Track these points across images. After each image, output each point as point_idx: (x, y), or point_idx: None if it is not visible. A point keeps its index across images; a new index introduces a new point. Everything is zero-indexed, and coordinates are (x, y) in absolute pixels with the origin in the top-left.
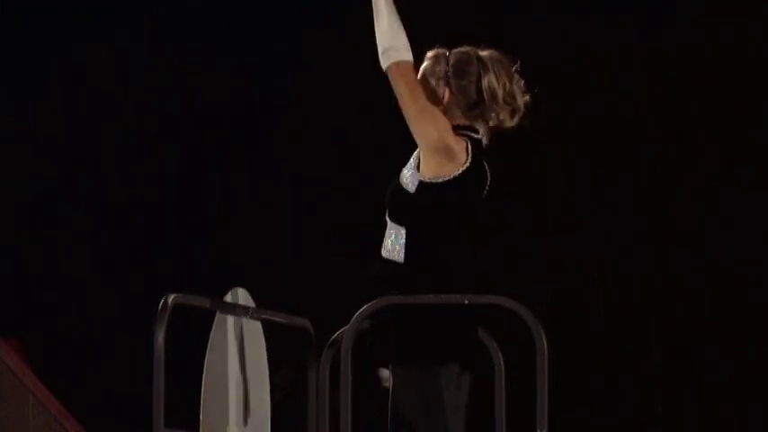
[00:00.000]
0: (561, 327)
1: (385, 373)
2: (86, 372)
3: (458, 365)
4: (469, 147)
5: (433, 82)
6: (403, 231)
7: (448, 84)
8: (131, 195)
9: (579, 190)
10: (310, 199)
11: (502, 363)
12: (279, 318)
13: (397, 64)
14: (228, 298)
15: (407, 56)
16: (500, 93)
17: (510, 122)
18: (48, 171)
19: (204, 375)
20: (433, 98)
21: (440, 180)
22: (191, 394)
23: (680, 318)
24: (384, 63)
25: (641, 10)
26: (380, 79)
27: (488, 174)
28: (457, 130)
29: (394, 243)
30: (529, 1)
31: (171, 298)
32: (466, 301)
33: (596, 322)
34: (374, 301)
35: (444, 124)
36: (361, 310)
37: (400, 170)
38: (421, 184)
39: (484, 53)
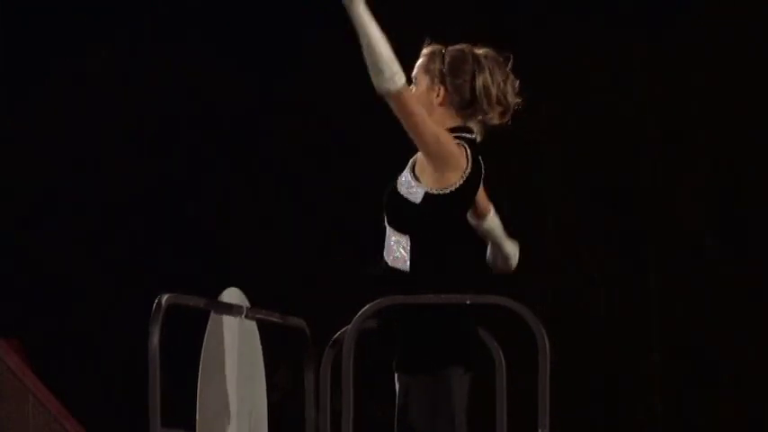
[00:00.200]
0: (561, 327)
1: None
2: (86, 372)
3: (462, 367)
4: (468, 151)
5: (427, 79)
6: (406, 239)
7: (443, 82)
8: (131, 195)
9: (579, 190)
10: (310, 199)
11: (503, 362)
12: (274, 318)
13: (406, 88)
14: (223, 298)
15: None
16: (494, 92)
17: (498, 121)
18: (48, 171)
19: (200, 375)
20: (427, 96)
21: (446, 191)
22: (189, 394)
23: (680, 318)
24: (391, 87)
25: (641, 10)
26: None
27: (483, 167)
28: (452, 133)
29: (397, 251)
30: (529, 1)
31: (165, 298)
32: (467, 302)
33: (596, 322)
34: (376, 302)
35: (450, 139)
36: (363, 310)
37: (396, 174)
38: (427, 195)
39: (479, 51)
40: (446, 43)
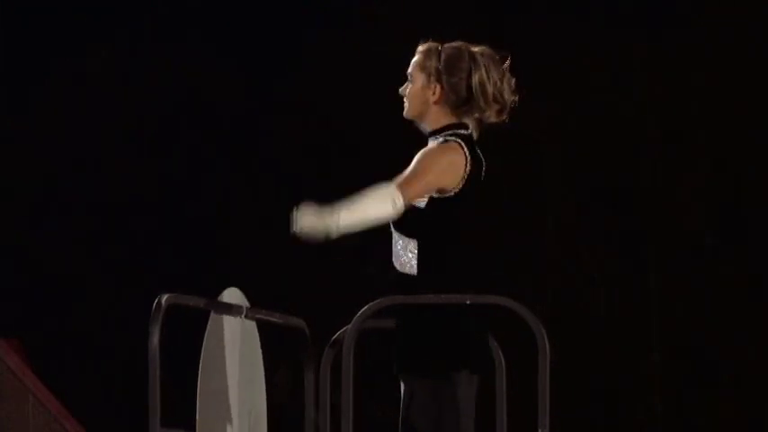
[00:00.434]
0: (561, 327)
1: None
2: (86, 372)
3: (467, 369)
4: (465, 149)
5: (423, 76)
6: (413, 243)
7: (439, 79)
8: (131, 195)
9: (579, 190)
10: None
11: (503, 362)
12: (274, 318)
13: (402, 194)
14: (223, 298)
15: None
16: (490, 89)
17: (495, 119)
18: (48, 171)
19: (200, 375)
20: (423, 94)
21: (450, 194)
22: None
23: (680, 318)
24: (399, 208)
25: (641, 10)
26: (380, 80)
27: (483, 160)
28: (448, 130)
29: (404, 255)
30: (529, 1)
31: (164, 298)
32: (467, 302)
33: (596, 322)
34: (376, 301)
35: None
36: (363, 310)
37: (396, 175)
38: (431, 199)
39: (476, 49)
40: (442, 41)
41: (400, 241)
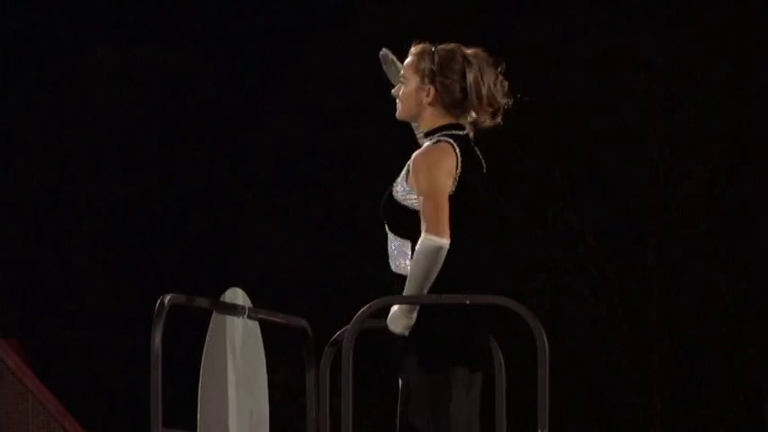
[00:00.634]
0: (561, 327)
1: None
2: (86, 372)
3: (466, 368)
4: (457, 149)
5: (417, 78)
6: (408, 245)
7: (432, 81)
8: (131, 195)
9: (579, 189)
10: (310, 199)
11: (502, 362)
12: (276, 318)
13: (431, 233)
14: (225, 298)
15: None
16: (484, 91)
17: (489, 123)
18: (48, 171)
19: (201, 375)
20: (417, 96)
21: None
22: (189, 394)
23: (680, 318)
24: (442, 247)
25: (641, 10)
26: (380, 79)
27: (482, 160)
28: (442, 130)
29: (399, 256)
30: (529, 1)
31: (167, 298)
32: (467, 301)
33: (596, 322)
34: (376, 301)
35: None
36: (363, 309)
37: (393, 175)
38: None
39: (469, 51)
40: (436, 42)
41: (395, 242)
